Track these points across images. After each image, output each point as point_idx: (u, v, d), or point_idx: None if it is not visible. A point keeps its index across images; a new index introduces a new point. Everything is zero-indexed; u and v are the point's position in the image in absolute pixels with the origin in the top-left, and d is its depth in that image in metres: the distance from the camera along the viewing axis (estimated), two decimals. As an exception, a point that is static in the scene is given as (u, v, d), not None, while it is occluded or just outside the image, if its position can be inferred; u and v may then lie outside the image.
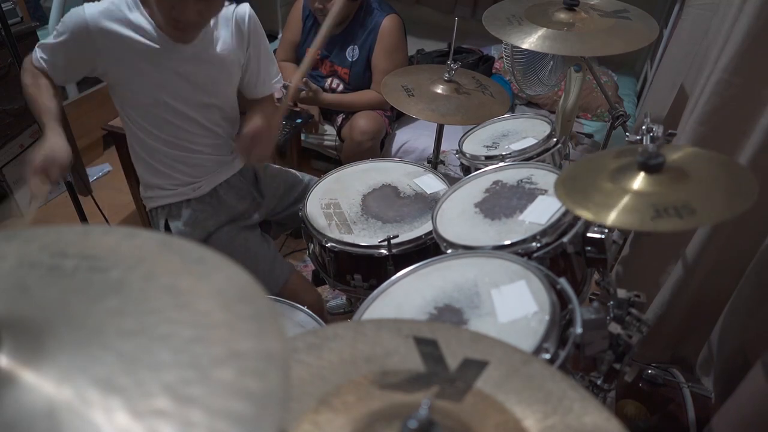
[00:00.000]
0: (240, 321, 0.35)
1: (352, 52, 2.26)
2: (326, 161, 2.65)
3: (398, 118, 2.53)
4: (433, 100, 1.51)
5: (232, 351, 0.33)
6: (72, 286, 0.36)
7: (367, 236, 1.30)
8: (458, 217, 1.17)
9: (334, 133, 2.46)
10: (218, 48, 1.32)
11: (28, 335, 0.32)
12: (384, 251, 1.25)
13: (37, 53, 1.28)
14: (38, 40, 2.25)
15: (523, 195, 1.15)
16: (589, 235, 1.01)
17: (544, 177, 1.19)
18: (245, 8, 1.36)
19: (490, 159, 1.37)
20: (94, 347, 0.32)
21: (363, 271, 1.31)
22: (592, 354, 0.82)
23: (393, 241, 1.24)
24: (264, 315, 0.36)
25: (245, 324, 0.35)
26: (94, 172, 2.81)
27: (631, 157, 0.84)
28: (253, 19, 1.37)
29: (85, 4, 1.21)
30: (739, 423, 1.05)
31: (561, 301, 0.85)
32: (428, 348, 0.61)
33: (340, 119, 2.41)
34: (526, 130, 1.47)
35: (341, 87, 2.34)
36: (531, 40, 1.35)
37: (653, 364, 1.34)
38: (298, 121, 2.26)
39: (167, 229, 1.43)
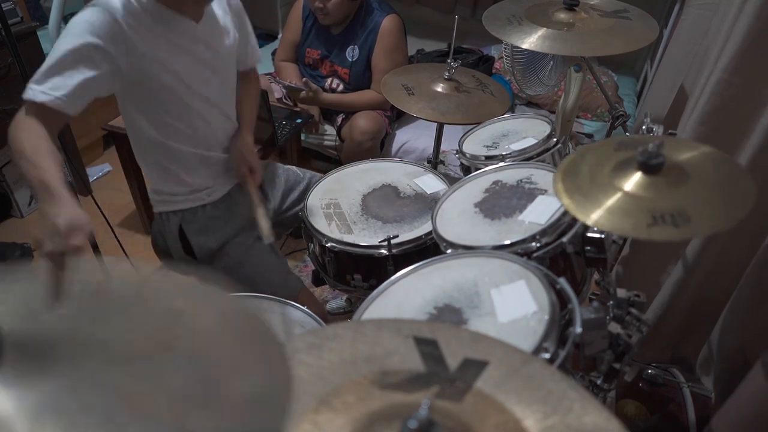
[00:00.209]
0: (247, 354, 0.35)
1: (352, 52, 2.26)
2: (326, 161, 2.65)
3: (398, 118, 2.53)
4: (433, 98, 1.51)
5: (234, 365, 0.33)
6: (82, 314, 0.36)
7: (367, 236, 1.30)
8: (458, 217, 1.17)
9: (334, 133, 2.46)
10: (221, 25, 1.33)
11: (33, 353, 0.32)
12: (384, 251, 1.25)
13: (36, 91, 1.07)
14: (38, 40, 2.25)
15: (523, 195, 1.15)
16: (589, 234, 1.01)
17: (544, 177, 1.19)
18: None
19: (490, 159, 1.37)
20: (99, 364, 0.32)
21: (363, 271, 1.31)
22: (591, 354, 0.82)
23: (393, 241, 1.24)
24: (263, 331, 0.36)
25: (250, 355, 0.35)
26: (94, 172, 2.81)
27: (632, 152, 0.84)
28: None
29: (101, 2, 1.11)
30: (739, 423, 1.05)
31: (561, 301, 0.85)
32: (428, 348, 0.61)
33: (340, 119, 2.41)
34: (526, 130, 1.47)
35: (341, 87, 2.34)
36: (531, 40, 1.35)
37: (653, 364, 1.34)
38: (298, 121, 2.26)
39: (182, 235, 1.41)
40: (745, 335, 1.25)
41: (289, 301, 1.18)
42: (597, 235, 1.00)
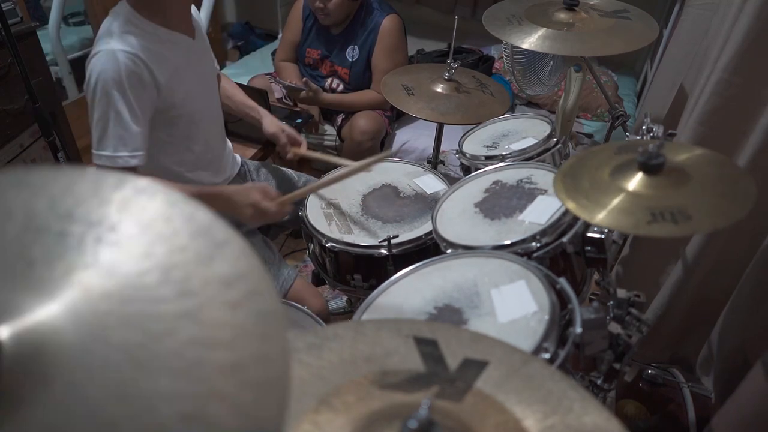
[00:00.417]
0: (246, 324, 0.35)
1: (352, 52, 2.26)
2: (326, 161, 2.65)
3: (398, 118, 2.53)
4: (433, 98, 1.51)
5: (233, 362, 0.33)
6: (75, 263, 0.35)
7: (367, 236, 1.30)
8: (458, 217, 1.17)
9: (334, 133, 2.46)
10: (204, 36, 1.34)
11: (24, 323, 0.32)
12: (384, 251, 1.25)
13: (125, 158, 1.11)
14: (38, 40, 2.25)
15: (523, 195, 1.15)
16: (589, 235, 1.01)
17: (544, 177, 1.19)
18: None
19: (490, 159, 1.37)
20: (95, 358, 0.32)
21: (363, 271, 1.31)
22: (591, 354, 0.82)
23: (393, 241, 1.24)
24: (270, 314, 0.36)
25: (251, 327, 0.35)
26: (94, 172, 2.80)
27: (632, 154, 0.84)
28: None
29: (103, 52, 1.08)
30: (739, 423, 1.05)
31: (561, 301, 0.85)
32: (428, 348, 0.61)
33: (340, 119, 2.41)
34: (526, 130, 1.47)
35: (341, 87, 2.34)
36: (531, 40, 1.35)
37: (653, 364, 1.34)
38: (298, 121, 2.26)
39: None
40: (745, 335, 1.25)
41: (289, 301, 1.18)
42: (597, 235, 1.00)
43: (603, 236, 0.99)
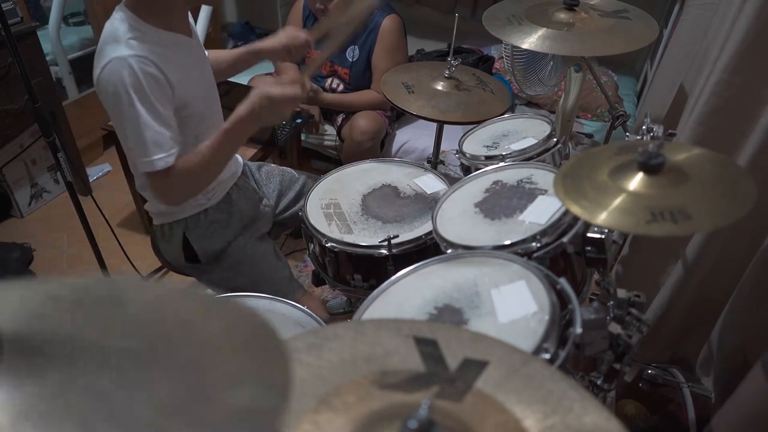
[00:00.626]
0: (247, 365, 0.35)
1: (352, 52, 2.26)
2: (326, 161, 2.65)
3: (398, 118, 2.53)
4: (433, 96, 1.51)
5: (231, 375, 0.33)
6: (87, 316, 0.36)
7: (367, 236, 1.30)
8: (458, 217, 1.17)
9: (334, 133, 2.46)
10: (197, 34, 1.34)
11: (30, 353, 0.32)
12: (384, 251, 1.25)
13: (163, 160, 1.13)
14: (38, 40, 2.25)
15: (523, 195, 1.15)
16: (589, 235, 1.01)
17: (544, 177, 1.19)
18: None
19: (490, 159, 1.37)
20: (92, 363, 0.32)
21: (363, 271, 1.31)
22: (592, 354, 0.82)
23: (393, 241, 1.24)
24: (272, 345, 0.36)
25: (250, 352, 0.35)
26: (94, 172, 2.81)
27: (632, 154, 0.84)
28: None
29: (115, 60, 1.08)
30: (739, 423, 1.05)
31: (561, 301, 0.85)
32: (428, 348, 0.61)
33: (340, 119, 2.41)
34: (526, 130, 1.47)
35: (341, 87, 2.34)
36: (531, 40, 1.35)
37: (653, 364, 1.34)
38: (298, 121, 2.26)
39: (186, 243, 1.41)
40: (745, 335, 1.25)
41: (289, 302, 1.18)
42: (597, 236, 1.00)
43: (603, 236, 0.99)
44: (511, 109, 2.62)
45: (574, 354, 0.79)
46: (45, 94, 2.16)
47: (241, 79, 2.39)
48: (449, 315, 0.89)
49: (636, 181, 0.80)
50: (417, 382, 0.57)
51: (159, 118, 1.12)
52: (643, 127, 1.11)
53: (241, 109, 1.13)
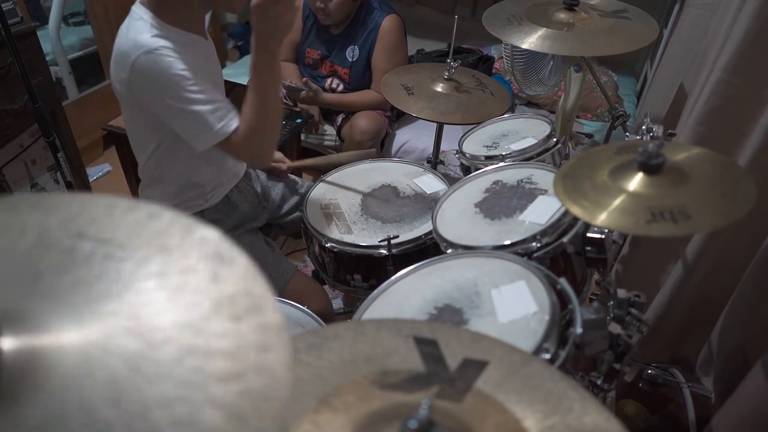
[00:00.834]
0: (247, 333, 0.35)
1: (352, 52, 2.26)
2: (326, 161, 2.65)
3: (398, 118, 2.53)
4: (432, 98, 1.51)
5: (232, 371, 0.33)
6: (82, 276, 0.36)
7: (367, 236, 1.30)
8: (458, 217, 1.17)
9: (334, 133, 2.46)
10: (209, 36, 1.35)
11: (27, 330, 0.32)
12: (384, 251, 1.25)
13: (227, 124, 1.15)
14: (38, 40, 2.25)
15: (523, 195, 1.15)
16: (589, 235, 1.01)
17: (544, 177, 1.19)
18: None
19: (490, 159, 1.37)
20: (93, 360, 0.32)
21: (363, 271, 1.31)
22: (592, 354, 0.82)
23: (393, 241, 1.24)
24: (271, 328, 0.36)
25: (251, 335, 0.35)
26: (93, 172, 2.81)
27: (632, 154, 0.84)
28: None
29: (144, 54, 1.10)
30: (739, 423, 1.05)
31: (561, 301, 0.85)
32: (428, 348, 0.61)
33: (340, 119, 2.41)
34: (526, 130, 1.47)
35: (341, 87, 2.34)
36: (531, 40, 1.35)
37: (653, 364, 1.34)
38: (298, 121, 2.26)
39: None
40: (745, 335, 1.25)
41: (290, 301, 1.18)
42: (597, 236, 1.00)
43: (603, 236, 0.99)
44: (511, 109, 2.62)
45: (574, 354, 0.79)
46: (45, 94, 2.16)
47: (242, 79, 2.40)
48: (449, 315, 0.89)
49: (636, 181, 0.80)
50: (417, 382, 0.57)
51: (205, 92, 1.14)
52: (643, 127, 1.11)
53: (259, 44, 1.16)
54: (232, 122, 1.16)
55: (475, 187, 1.24)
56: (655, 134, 1.08)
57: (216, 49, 1.40)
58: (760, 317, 1.21)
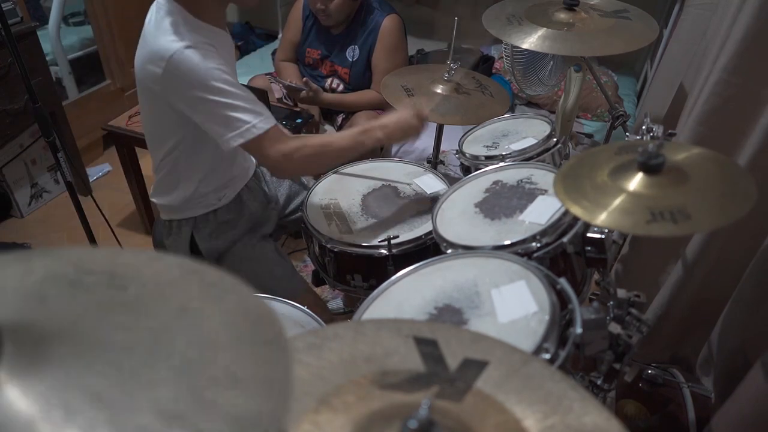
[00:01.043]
0: (246, 346, 0.35)
1: (352, 52, 2.26)
2: (326, 161, 2.65)
3: (398, 118, 2.53)
4: (432, 99, 1.51)
5: (231, 375, 0.33)
6: (88, 300, 0.36)
7: (367, 236, 1.30)
8: (458, 217, 1.17)
9: (335, 133, 2.46)
10: None
11: (32, 343, 0.32)
12: (384, 251, 1.25)
13: (264, 121, 1.15)
14: (38, 40, 2.26)
15: (523, 195, 1.15)
16: (589, 235, 1.01)
17: (544, 177, 1.19)
18: None
19: (490, 159, 1.37)
20: (94, 359, 0.32)
21: (363, 271, 1.31)
22: (592, 354, 0.82)
23: (393, 241, 1.24)
24: (273, 341, 0.36)
25: (251, 349, 0.35)
26: (94, 172, 2.81)
27: (632, 154, 0.84)
28: None
29: (180, 51, 1.09)
30: (739, 423, 1.05)
31: (561, 301, 0.85)
32: (428, 348, 0.61)
33: (340, 119, 2.41)
34: (526, 130, 1.47)
35: (341, 87, 2.34)
36: (531, 40, 1.35)
37: (653, 364, 1.34)
38: (298, 121, 2.26)
39: (192, 242, 1.41)
40: (745, 335, 1.25)
41: (290, 301, 1.18)
42: (597, 236, 1.00)
43: (603, 236, 0.99)
44: (511, 109, 2.62)
45: (574, 354, 0.79)
46: (45, 94, 2.16)
47: (241, 79, 2.40)
48: (449, 315, 0.89)
49: (636, 181, 0.80)
50: (417, 382, 0.57)
51: (240, 88, 1.15)
52: (643, 127, 1.11)
53: (391, 119, 1.24)
54: (270, 120, 1.16)
55: (475, 187, 1.24)
56: (655, 134, 1.08)
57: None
58: (760, 317, 1.21)
